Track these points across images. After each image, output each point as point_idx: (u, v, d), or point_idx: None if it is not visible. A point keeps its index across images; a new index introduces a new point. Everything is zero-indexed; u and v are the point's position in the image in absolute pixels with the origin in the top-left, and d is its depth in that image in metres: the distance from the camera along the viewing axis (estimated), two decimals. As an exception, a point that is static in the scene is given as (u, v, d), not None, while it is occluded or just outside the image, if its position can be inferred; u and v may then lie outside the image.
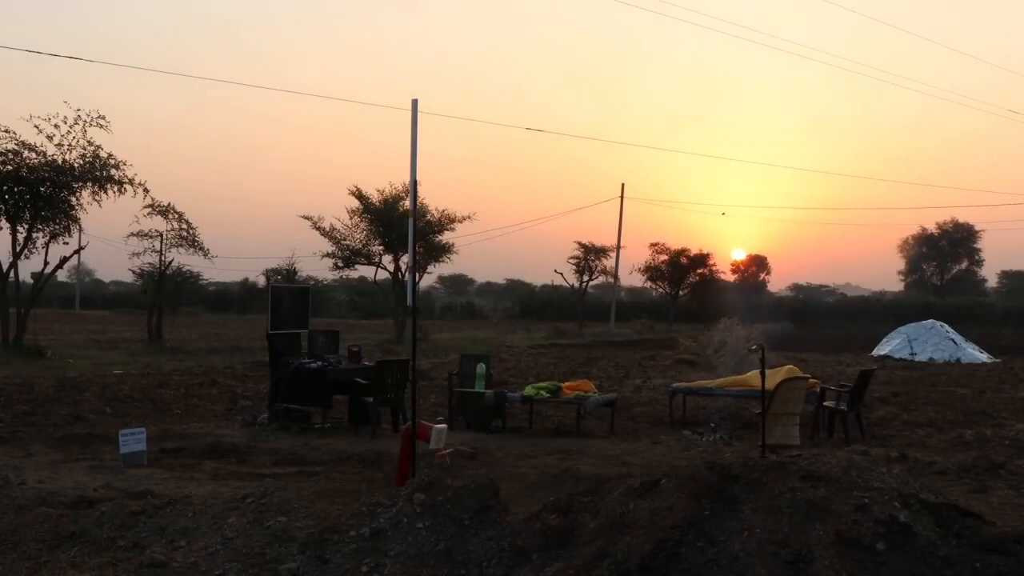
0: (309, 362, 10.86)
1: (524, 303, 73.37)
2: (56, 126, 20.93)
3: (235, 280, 74.86)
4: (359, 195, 32.94)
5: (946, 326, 27.08)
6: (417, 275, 29.55)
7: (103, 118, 21.41)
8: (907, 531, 3.70)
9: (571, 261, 50.33)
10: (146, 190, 23.02)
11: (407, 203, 30.64)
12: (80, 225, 23.06)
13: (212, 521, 4.97)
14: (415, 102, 6.64)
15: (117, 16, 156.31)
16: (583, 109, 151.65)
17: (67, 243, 24.49)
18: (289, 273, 37.24)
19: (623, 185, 49.70)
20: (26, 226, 21.49)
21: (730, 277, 75.65)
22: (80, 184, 21.42)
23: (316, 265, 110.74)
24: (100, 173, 21.42)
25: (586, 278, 51.41)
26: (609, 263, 50.23)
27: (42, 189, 21.11)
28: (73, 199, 21.72)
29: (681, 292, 56.73)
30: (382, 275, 34.71)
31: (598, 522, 4.14)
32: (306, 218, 34.66)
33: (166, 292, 31.06)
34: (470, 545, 4.36)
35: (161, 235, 26.48)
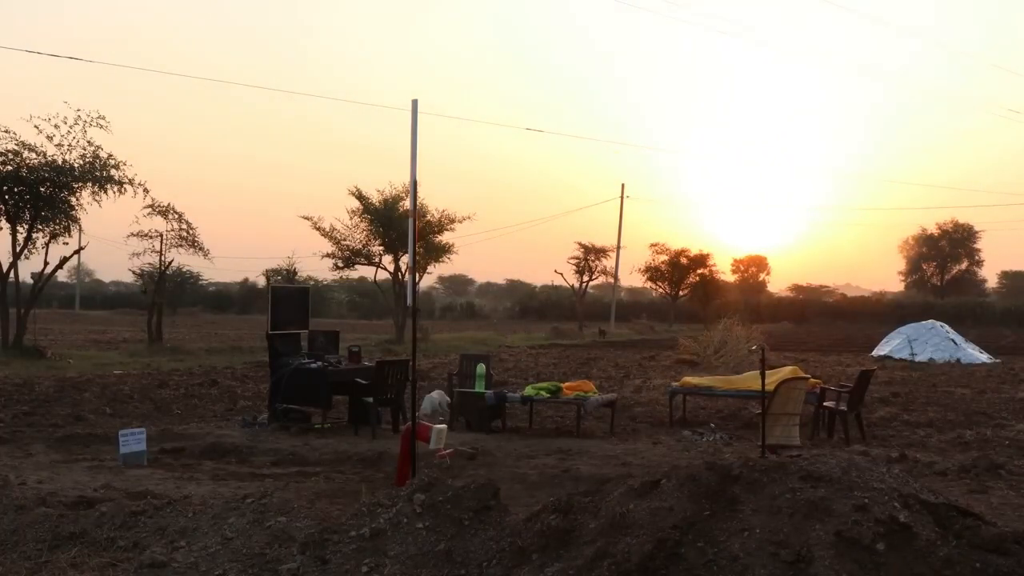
0: (309, 362, 10.86)
1: (524, 303, 73.46)
2: (56, 126, 20.97)
3: (235, 280, 75.05)
4: (359, 195, 32.95)
5: (946, 326, 27.07)
6: (417, 275, 29.57)
7: (103, 118, 21.46)
8: (907, 531, 3.70)
9: (571, 261, 50.44)
10: (146, 190, 23.06)
11: (407, 203, 30.63)
12: (80, 225, 23.12)
13: (212, 521, 4.97)
14: (415, 102, 6.65)
15: (117, 16, 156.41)
16: (583, 109, 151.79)
17: (67, 243, 24.54)
18: (289, 273, 37.23)
19: (623, 185, 49.85)
20: (26, 226, 21.49)
21: (730, 277, 75.79)
22: (80, 184, 21.43)
23: (316, 265, 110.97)
24: (100, 173, 21.42)
25: (586, 278, 51.50)
26: (609, 263, 50.31)
27: (42, 189, 21.12)
28: (73, 199, 21.74)
29: (681, 292, 56.71)
30: (382, 275, 34.75)
31: (598, 522, 4.14)
32: (306, 218, 34.78)
33: (166, 292, 31.07)
34: (470, 545, 4.36)
35: (161, 235, 26.50)
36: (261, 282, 54.54)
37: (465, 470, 7.84)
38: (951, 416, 12.40)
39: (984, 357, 24.97)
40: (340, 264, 34.10)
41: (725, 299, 58.66)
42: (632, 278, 62.66)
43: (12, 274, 21.76)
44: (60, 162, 21.13)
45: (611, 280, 52.55)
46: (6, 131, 20.81)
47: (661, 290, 57.89)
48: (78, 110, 21.13)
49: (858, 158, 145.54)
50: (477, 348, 24.26)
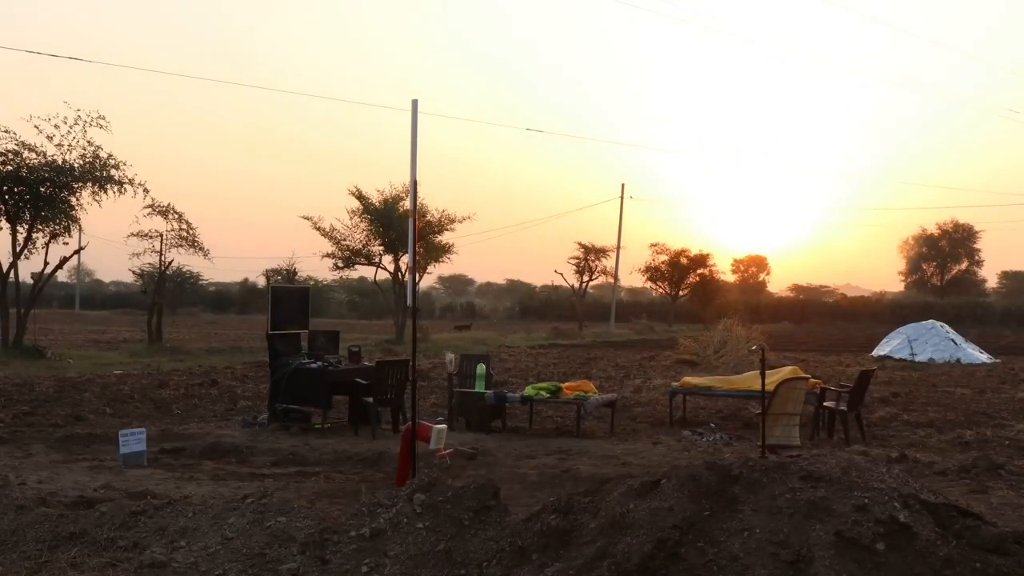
0: (309, 362, 10.86)
1: (524, 303, 73.48)
2: (56, 126, 20.98)
3: (235, 280, 75.11)
4: (359, 195, 32.96)
5: (946, 326, 27.06)
6: (417, 275, 29.55)
7: (103, 118, 21.46)
8: (907, 531, 3.70)
9: (571, 261, 50.46)
10: (146, 190, 23.07)
11: (407, 203, 30.63)
12: (80, 225, 23.12)
13: (212, 521, 4.97)
14: (415, 102, 6.64)
15: (117, 16, 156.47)
16: (583, 109, 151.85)
17: (67, 243, 24.57)
18: (289, 273, 37.25)
19: (623, 185, 49.85)
20: (26, 226, 21.50)
21: (730, 277, 75.81)
22: (80, 184, 21.43)
23: (316, 265, 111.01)
24: (100, 173, 21.42)
25: (586, 278, 51.51)
26: (609, 263, 50.32)
27: (42, 189, 21.12)
28: (73, 199, 21.74)
29: (681, 292, 56.70)
30: (382, 275, 34.77)
31: (598, 522, 4.14)
32: (306, 218, 34.84)
33: (166, 292, 31.09)
34: (470, 545, 4.36)
35: (161, 235, 26.53)
36: (261, 282, 54.66)
37: (465, 470, 7.84)
38: (951, 416, 12.39)
39: (984, 357, 24.96)
40: (340, 264, 34.14)
41: (725, 299, 58.65)
42: (632, 278, 62.70)
43: (12, 274, 21.77)
44: (60, 162, 21.13)
45: (611, 280, 52.57)
46: (6, 131, 20.86)
47: (661, 290, 57.89)
48: (78, 110, 21.17)
49: (858, 158, 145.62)
50: (477, 348, 24.26)
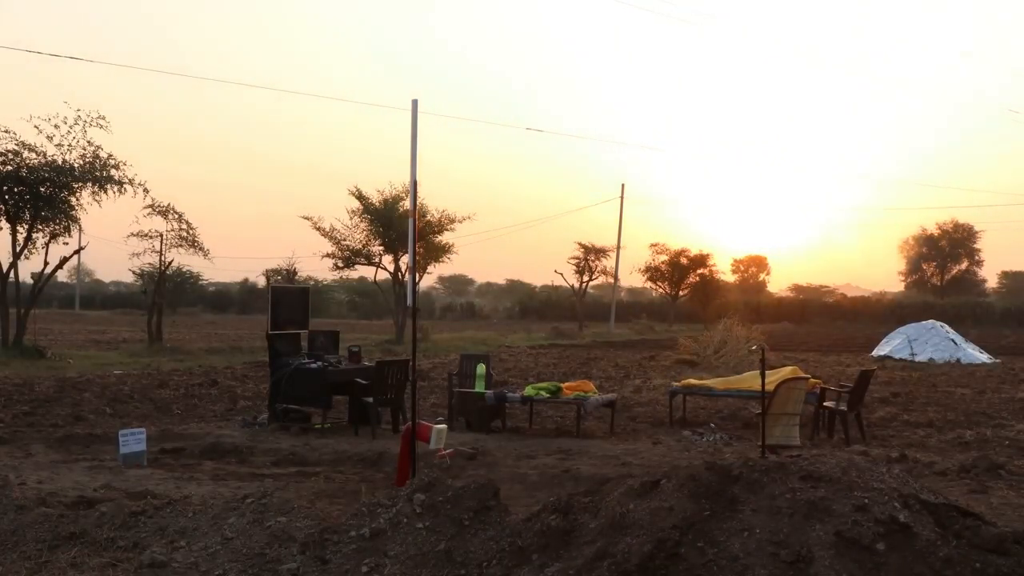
0: (309, 362, 10.86)
1: (524, 303, 73.51)
2: (56, 126, 20.98)
3: (235, 280, 75.14)
4: (359, 195, 32.96)
5: (946, 326, 27.06)
6: (417, 275, 29.56)
7: (103, 118, 21.47)
8: (907, 531, 3.70)
9: (571, 261, 50.48)
10: (146, 190, 23.08)
11: (407, 203, 30.63)
12: (80, 225, 23.12)
13: (212, 521, 4.97)
14: (415, 102, 6.65)
15: (117, 16, 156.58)
16: (583, 109, 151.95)
17: (67, 243, 24.55)
18: (289, 273, 37.24)
19: (623, 185, 49.82)
20: (26, 226, 21.50)
21: (730, 277, 75.82)
22: (80, 184, 21.43)
23: (316, 265, 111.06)
24: (100, 173, 21.43)
25: (586, 278, 51.52)
26: (609, 263, 50.33)
27: (42, 189, 21.12)
28: (73, 199, 21.74)
29: (681, 292, 56.68)
30: (382, 275, 34.77)
31: (598, 522, 4.14)
32: (306, 218, 34.83)
33: (166, 292, 31.10)
34: (470, 545, 4.36)
35: (161, 235, 26.52)
36: (261, 282, 54.58)
37: (465, 470, 7.84)
38: (951, 416, 12.39)
39: (984, 357, 24.95)
40: (340, 264, 34.13)
41: (725, 299, 58.63)
42: (632, 278, 62.70)
43: (12, 274, 21.77)
44: (60, 162, 21.13)
45: (611, 280, 52.59)
46: (6, 131, 20.86)
47: (661, 290, 57.86)
48: (78, 110, 21.17)
49: (858, 158, 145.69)
50: (477, 348, 24.26)
